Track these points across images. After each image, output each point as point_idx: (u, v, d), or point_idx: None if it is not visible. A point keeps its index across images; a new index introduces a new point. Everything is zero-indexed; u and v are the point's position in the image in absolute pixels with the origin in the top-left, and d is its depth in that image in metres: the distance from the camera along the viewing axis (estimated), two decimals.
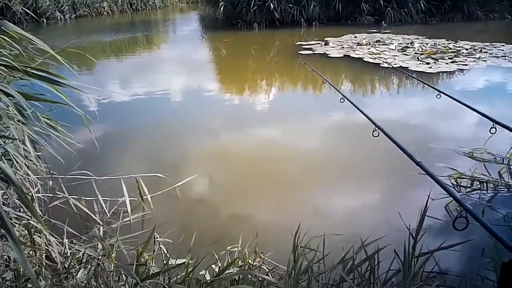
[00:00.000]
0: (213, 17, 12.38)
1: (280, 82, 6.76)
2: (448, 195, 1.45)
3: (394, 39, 9.09)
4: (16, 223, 1.78)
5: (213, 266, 1.90)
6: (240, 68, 7.77)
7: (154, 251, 1.91)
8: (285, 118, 4.79)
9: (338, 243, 1.91)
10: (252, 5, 11.31)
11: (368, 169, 3.35)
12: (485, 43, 8.17)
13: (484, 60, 6.90)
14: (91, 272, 1.71)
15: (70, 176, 2.44)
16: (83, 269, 1.73)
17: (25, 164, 2.02)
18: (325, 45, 8.80)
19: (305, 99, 5.76)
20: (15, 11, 13.10)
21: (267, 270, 1.92)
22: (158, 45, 11.15)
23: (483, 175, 2.80)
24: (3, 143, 1.67)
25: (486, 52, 7.52)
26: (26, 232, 1.80)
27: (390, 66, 6.60)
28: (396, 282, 1.78)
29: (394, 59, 7.22)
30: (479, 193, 2.71)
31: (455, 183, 2.80)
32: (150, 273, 1.69)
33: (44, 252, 1.86)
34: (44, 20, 14.88)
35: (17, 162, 1.84)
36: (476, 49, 7.74)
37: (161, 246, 1.99)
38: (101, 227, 2.16)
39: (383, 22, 11.41)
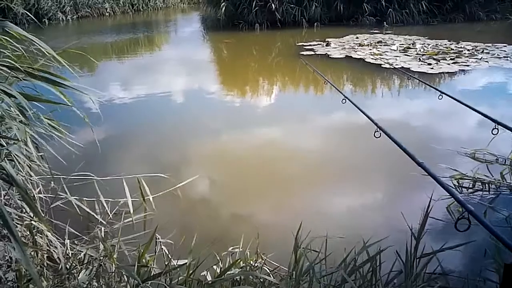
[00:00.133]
0: (215, 18, 12.39)
1: (281, 83, 6.76)
2: (450, 196, 1.45)
3: (395, 40, 9.08)
4: (18, 223, 1.78)
5: (215, 267, 1.90)
6: (241, 69, 7.77)
7: (155, 252, 1.91)
8: (287, 118, 4.79)
9: (339, 243, 1.91)
10: (253, 6, 11.31)
11: (370, 170, 3.35)
12: (487, 44, 8.15)
13: (486, 61, 6.89)
14: (93, 273, 1.71)
15: (72, 177, 2.44)
16: (84, 270, 1.73)
17: (27, 165, 2.03)
18: (326, 45, 8.80)
19: (306, 99, 5.75)
20: (17, 12, 13.14)
21: (269, 271, 1.92)
22: (159, 46, 11.16)
23: (485, 176, 2.79)
24: (5, 144, 1.67)
25: (488, 52, 7.50)
26: (28, 232, 1.80)
27: (392, 67, 6.59)
28: (398, 283, 1.78)
29: (396, 59, 7.21)
30: (481, 194, 2.71)
31: (457, 184, 2.80)
32: (152, 274, 1.69)
33: (45, 252, 1.86)
34: (46, 21, 14.91)
35: (19, 162, 1.85)
36: (478, 50, 7.72)
37: (162, 247, 1.99)
38: (103, 228, 2.17)
39: (384, 22, 11.39)
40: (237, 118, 4.97)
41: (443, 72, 6.38)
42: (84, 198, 2.44)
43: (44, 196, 2.30)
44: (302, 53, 8.07)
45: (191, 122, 4.73)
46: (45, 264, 1.80)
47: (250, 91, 6.20)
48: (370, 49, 8.16)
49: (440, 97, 3.01)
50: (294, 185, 3.19)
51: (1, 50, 1.96)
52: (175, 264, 1.79)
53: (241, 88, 6.38)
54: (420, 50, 7.86)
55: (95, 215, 2.39)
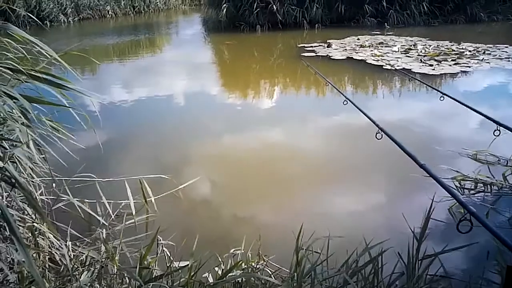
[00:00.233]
0: (216, 20, 12.40)
1: (283, 84, 6.76)
2: (452, 198, 1.45)
3: (397, 41, 9.08)
4: (20, 225, 1.78)
5: (216, 268, 1.90)
6: (243, 71, 7.78)
7: (157, 254, 1.91)
8: (288, 120, 4.79)
9: (341, 245, 1.91)
10: (254, 7, 11.32)
11: (371, 171, 3.35)
12: (488, 45, 8.15)
13: (488, 62, 6.88)
14: (95, 275, 1.71)
15: (73, 179, 2.44)
16: (86, 272, 1.73)
17: (29, 167, 2.03)
18: (327, 47, 8.80)
19: (308, 101, 5.76)
20: (18, 14, 13.18)
21: (270, 273, 1.92)
22: (161, 48, 11.18)
23: (487, 177, 2.79)
24: (7, 147, 1.67)
25: (489, 54, 7.50)
26: (30, 234, 1.80)
27: (393, 68, 6.59)
28: (400, 285, 1.77)
29: (397, 61, 7.21)
30: (483, 196, 2.70)
31: (458, 185, 2.79)
32: (154, 276, 1.69)
33: (47, 254, 1.86)
34: (48, 23, 14.95)
35: (21, 164, 1.85)
36: (479, 51, 7.72)
37: (164, 248, 1.99)
38: (104, 230, 2.17)
39: (386, 24, 11.39)
40: (238, 119, 4.97)
41: (444, 73, 6.37)
42: (86, 200, 2.45)
43: (45, 198, 2.30)
44: (303, 54, 8.07)
45: (192, 124, 4.74)
46: (47, 266, 1.80)
47: (251, 93, 6.21)
48: (371, 51, 8.16)
49: (442, 98, 3.02)
50: (295, 186, 3.19)
51: (3, 52, 1.96)
52: (177, 266, 1.79)
53: (242, 90, 6.38)
54: (421, 51, 7.86)
55: (97, 216, 2.39)
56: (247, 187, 3.21)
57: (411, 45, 8.51)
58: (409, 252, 1.75)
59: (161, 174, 2.86)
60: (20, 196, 1.95)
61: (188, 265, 1.73)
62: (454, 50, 7.90)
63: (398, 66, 6.79)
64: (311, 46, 8.94)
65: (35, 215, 1.95)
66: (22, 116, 1.64)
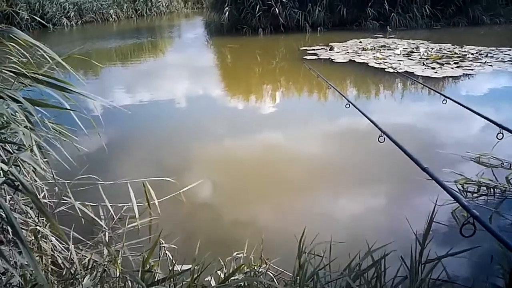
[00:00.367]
0: (218, 23, 12.44)
1: (285, 88, 6.77)
2: (455, 201, 1.44)
3: (399, 44, 9.08)
4: (23, 228, 1.79)
5: (219, 272, 1.89)
6: (245, 74, 7.79)
7: (159, 257, 1.91)
8: (291, 123, 4.79)
9: (344, 248, 1.90)
10: (257, 11, 11.35)
11: (374, 174, 3.34)
12: (491, 48, 8.14)
13: (490, 65, 6.87)
14: (97, 278, 1.71)
15: (76, 182, 2.45)
16: (89, 275, 1.73)
17: (32, 169, 2.04)
18: (330, 50, 8.81)
19: (310, 104, 5.75)
20: (22, 17, 13.25)
21: (273, 276, 1.92)
22: (163, 51, 11.21)
23: (490, 180, 2.78)
24: (11, 151, 1.68)
25: (492, 56, 7.48)
26: (33, 237, 1.81)
27: (396, 71, 6.59)
28: None
29: (400, 64, 7.21)
30: (486, 199, 2.69)
31: (462, 189, 2.78)
32: (156, 279, 1.69)
33: (50, 257, 1.86)
34: (51, 26, 15.03)
35: (24, 167, 1.86)
36: (482, 54, 7.71)
37: (166, 252, 1.99)
38: (107, 233, 2.17)
39: (388, 27, 11.40)
40: (240, 122, 4.97)
41: (447, 76, 6.36)
42: (89, 203, 2.45)
43: (48, 201, 2.31)
44: (305, 57, 8.08)
45: (194, 126, 4.74)
46: (50, 269, 1.81)
47: (253, 96, 6.21)
48: (374, 54, 8.16)
49: (444, 101, 3.02)
50: (298, 189, 3.18)
51: (7, 56, 1.98)
52: (179, 269, 1.79)
53: (244, 93, 6.39)
54: (423, 54, 7.85)
55: (99, 220, 2.39)
56: (249, 190, 3.21)
57: (413, 48, 8.51)
58: (412, 256, 1.74)
59: (164, 177, 2.87)
60: (23, 199, 1.96)
61: (190, 268, 1.72)
62: (457, 53, 7.89)
63: (400, 69, 6.79)
64: (313, 49, 8.95)
65: (38, 218, 1.95)
66: (25, 120, 1.65)
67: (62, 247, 1.99)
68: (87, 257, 1.84)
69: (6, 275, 1.56)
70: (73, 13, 16.23)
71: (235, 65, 8.96)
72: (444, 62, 7.17)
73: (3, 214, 1.20)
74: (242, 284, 1.76)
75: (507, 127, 2.16)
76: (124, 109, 5.44)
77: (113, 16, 18.06)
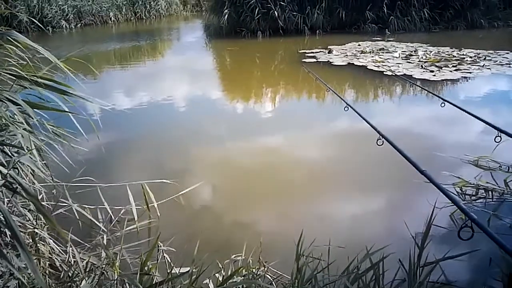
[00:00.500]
0: (217, 26, 12.45)
1: (284, 90, 6.77)
2: (453, 204, 1.44)
3: (397, 47, 9.10)
4: (21, 231, 1.78)
5: (217, 275, 1.89)
6: (244, 76, 7.80)
7: (157, 260, 1.91)
8: (289, 126, 4.80)
9: (342, 251, 1.90)
10: (256, 14, 11.37)
11: (373, 177, 3.34)
12: (489, 51, 8.17)
13: (489, 68, 6.89)
14: (95, 281, 1.71)
15: (74, 184, 2.45)
16: (87, 278, 1.73)
17: (30, 172, 2.04)
18: (328, 53, 8.83)
19: (309, 107, 5.76)
20: (21, 20, 13.24)
21: (271, 279, 1.91)
22: (162, 54, 11.22)
23: (489, 183, 2.78)
24: (9, 153, 1.68)
25: (490, 60, 7.51)
26: (31, 240, 1.80)
27: (394, 74, 6.60)
28: None
29: (398, 67, 7.23)
30: (484, 202, 2.69)
31: (460, 192, 2.78)
32: (154, 282, 1.69)
33: (48, 260, 1.86)
34: (50, 29, 15.02)
35: (22, 170, 1.86)
36: (480, 57, 7.73)
37: (164, 254, 1.99)
38: (105, 235, 2.17)
39: (386, 30, 11.43)
40: (239, 125, 4.98)
41: (445, 80, 6.38)
42: (87, 206, 2.45)
43: (46, 203, 2.31)
44: (304, 60, 8.10)
45: (193, 129, 4.74)
46: (47, 272, 1.80)
47: (253, 99, 6.22)
48: (372, 56, 8.18)
49: (443, 104, 3.02)
50: (296, 192, 3.18)
51: (6, 58, 1.98)
52: (178, 272, 1.79)
53: (243, 96, 6.39)
54: (422, 57, 7.87)
55: (97, 222, 2.39)
56: (247, 192, 3.21)
57: (412, 51, 8.53)
58: (410, 259, 1.74)
59: (163, 179, 2.87)
60: (21, 202, 1.96)
61: (188, 271, 1.72)
62: (455, 56, 7.91)
63: (399, 72, 6.80)
64: (312, 52, 8.96)
65: (36, 221, 1.95)
66: (24, 122, 1.65)
67: (60, 250, 1.99)
68: (85, 259, 1.84)
69: (3, 278, 1.55)
70: (72, 15, 16.22)
71: (234, 68, 8.97)
72: (442, 65, 7.19)
73: (2, 217, 1.20)
74: (241, 287, 1.76)
75: (505, 130, 2.17)
76: (123, 111, 5.45)
77: (112, 19, 18.06)
